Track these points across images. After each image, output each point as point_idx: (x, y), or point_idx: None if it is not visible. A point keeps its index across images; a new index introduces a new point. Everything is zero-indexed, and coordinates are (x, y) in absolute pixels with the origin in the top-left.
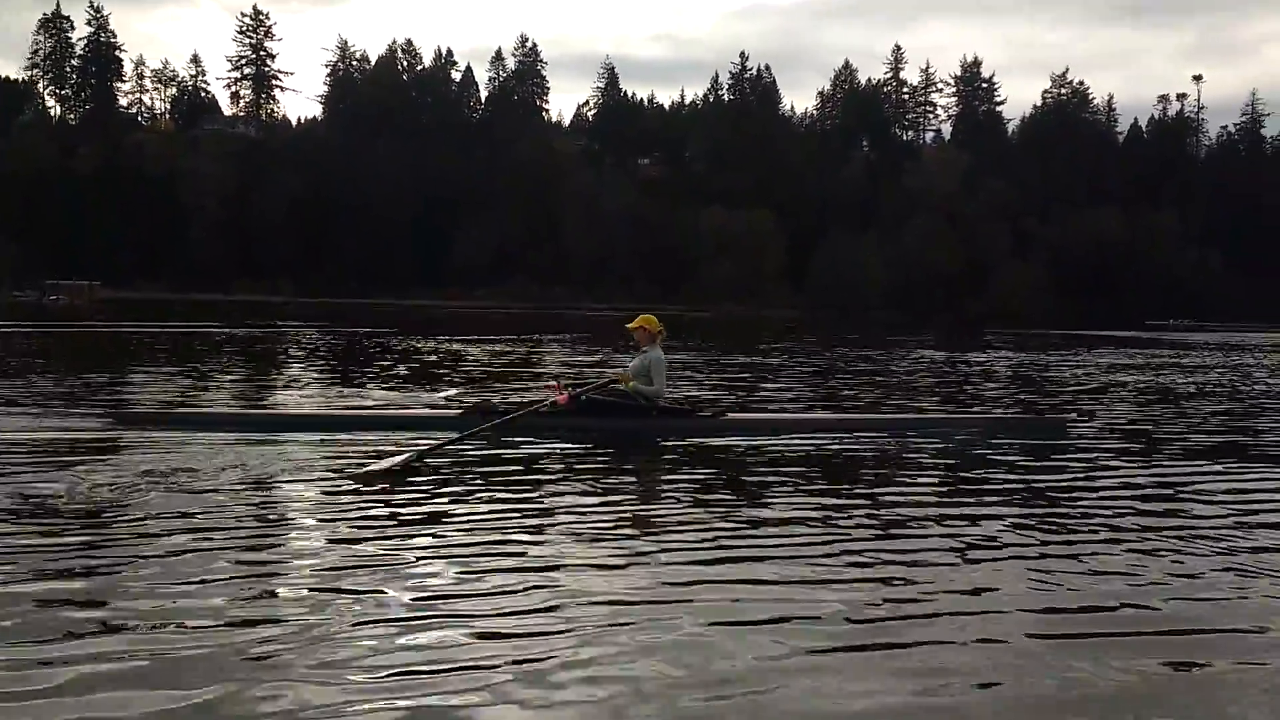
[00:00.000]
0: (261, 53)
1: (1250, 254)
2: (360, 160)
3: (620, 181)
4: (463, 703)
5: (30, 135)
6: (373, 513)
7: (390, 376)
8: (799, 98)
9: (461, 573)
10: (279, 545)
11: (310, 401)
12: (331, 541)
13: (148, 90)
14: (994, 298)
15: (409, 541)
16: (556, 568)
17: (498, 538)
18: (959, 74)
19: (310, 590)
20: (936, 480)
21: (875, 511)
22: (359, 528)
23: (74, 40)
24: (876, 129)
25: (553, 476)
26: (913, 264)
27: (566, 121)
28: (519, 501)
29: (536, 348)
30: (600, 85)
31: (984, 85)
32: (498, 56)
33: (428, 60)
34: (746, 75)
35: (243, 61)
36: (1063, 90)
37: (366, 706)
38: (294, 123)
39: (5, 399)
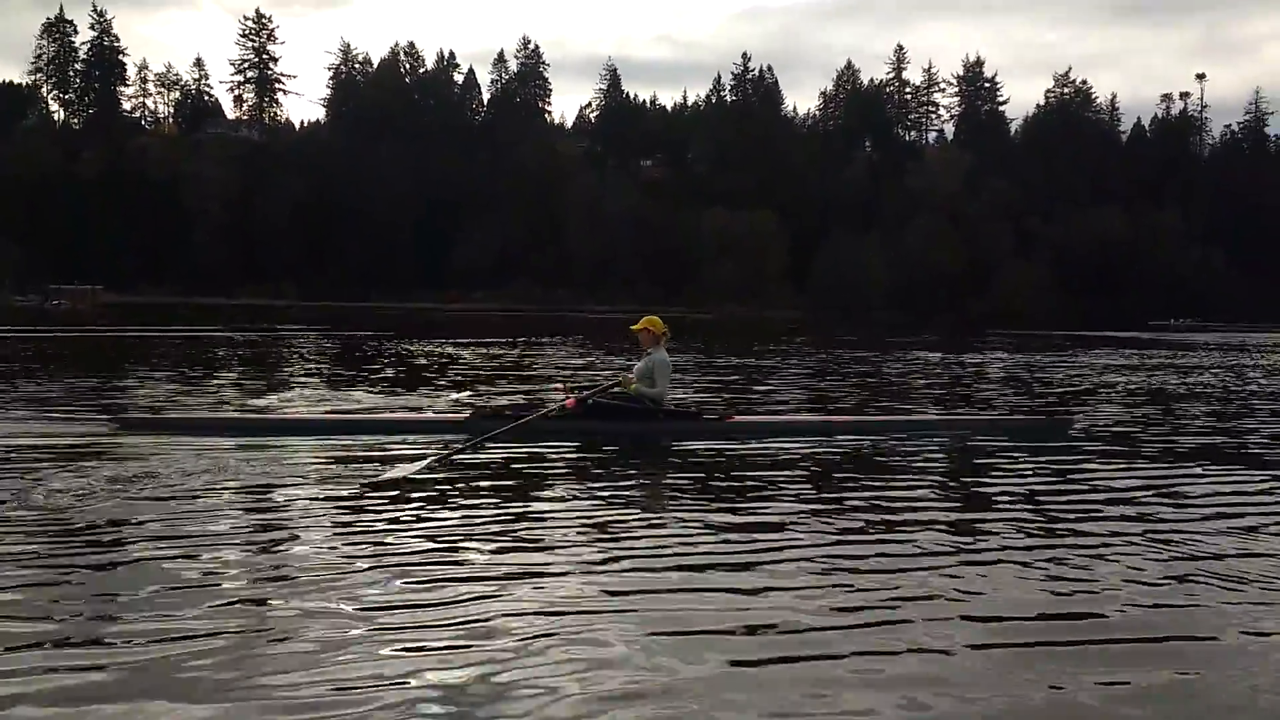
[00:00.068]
0: (264, 56)
1: (1253, 253)
2: (363, 163)
3: (623, 183)
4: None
5: (34, 139)
6: (376, 517)
7: (387, 380)
8: (801, 98)
9: (462, 575)
10: (280, 549)
11: (312, 405)
12: (333, 546)
13: (151, 94)
14: (997, 298)
15: (411, 545)
16: (553, 573)
17: (499, 541)
18: (961, 74)
19: (311, 593)
20: (934, 484)
21: (869, 517)
22: (361, 532)
23: (77, 44)
24: (879, 129)
25: (556, 481)
26: (915, 264)
27: (569, 123)
28: (521, 507)
29: (536, 351)
30: (602, 87)
31: (986, 85)
32: (500, 59)
33: (430, 63)
34: (749, 76)
35: (245, 65)
36: (1065, 90)
37: (366, 708)
38: (297, 126)
39: (6, 403)
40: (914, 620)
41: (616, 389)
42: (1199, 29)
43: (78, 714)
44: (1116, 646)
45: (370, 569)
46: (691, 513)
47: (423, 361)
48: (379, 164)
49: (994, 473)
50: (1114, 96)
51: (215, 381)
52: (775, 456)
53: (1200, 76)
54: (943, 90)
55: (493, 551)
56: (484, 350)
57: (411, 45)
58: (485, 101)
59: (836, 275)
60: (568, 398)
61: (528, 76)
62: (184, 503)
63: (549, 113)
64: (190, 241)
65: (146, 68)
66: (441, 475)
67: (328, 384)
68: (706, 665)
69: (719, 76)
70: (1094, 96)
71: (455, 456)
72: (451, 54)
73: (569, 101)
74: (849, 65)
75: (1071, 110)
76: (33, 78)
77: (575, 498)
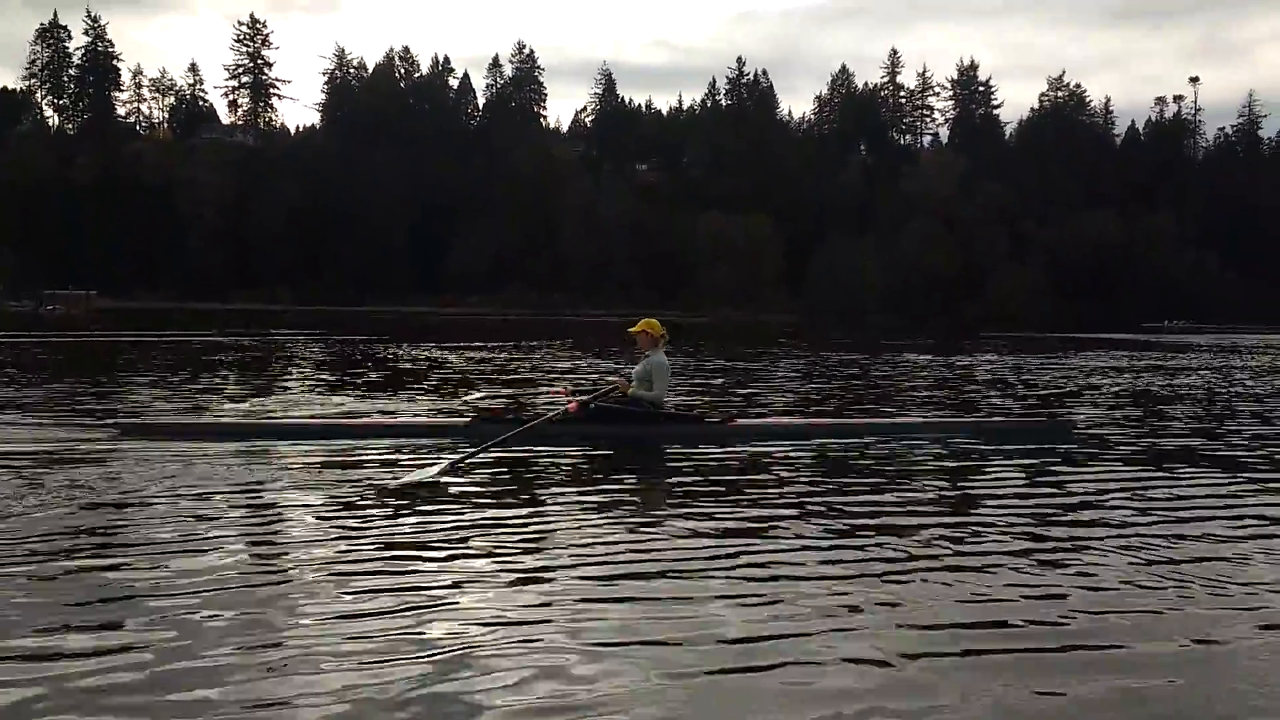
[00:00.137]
0: (259, 61)
1: (1247, 255)
2: (358, 168)
3: (618, 187)
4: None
5: (28, 145)
6: (379, 522)
7: (383, 385)
8: (796, 103)
9: (463, 579)
10: (290, 556)
11: (311, 410)
12: (339, 552)
13: (145, 99)
14: (991, 301)
15: (411, 550)
16: (552, 579)
17: (498, 546)
18: (955, 77)
19: (313, 596)
20: (931, 489)
21: (856, 523)
22: (366, 538)
23: (71, 50)
24: (873, 133)
25: (556, 486)
26: (910, 268)
27: (564, 128)
28: (519, 512)
29: (532, 355)
30: (598, 91)
31: (981, 89)
32: (495, 63)
33: (425, 68)
34: (744, 81)
35: (240, 70)
36: (1059, 93)
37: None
38: (292, 131)
39: (5, 409)
40: (856, 629)
41: (614, 393)
42: (1193, 32)
43: (78, 714)
44: (1061, 655)
45: (371, 573)
46: (683, 520)
47: (419, 366)
48: (374, 169)
49: (995, 477)
50: (1108, 100)
51: (211, 387)
52: (776, 461)
53: (1194, 79)
54: (937, 94)
55: (489, 557)
56: (480, 354)
57: (406, 50)
58: (480, 106)
59: (831, 279)
60: (570, 402)
61: (523, 81)
62: (186, 508)
63: (544, 117)
64: (185, 247)
65: (141, 73)
66: (443, 480)
67: (325, 389)
68: (629, 676)
69: (714, 81)
70: (1088, 100)
71: (466, 461)
72: (446, 59)
73: (564, 106)
74: (843, 69)
75: (1066, 113)
76: (27, 83)
77: (572, 504)
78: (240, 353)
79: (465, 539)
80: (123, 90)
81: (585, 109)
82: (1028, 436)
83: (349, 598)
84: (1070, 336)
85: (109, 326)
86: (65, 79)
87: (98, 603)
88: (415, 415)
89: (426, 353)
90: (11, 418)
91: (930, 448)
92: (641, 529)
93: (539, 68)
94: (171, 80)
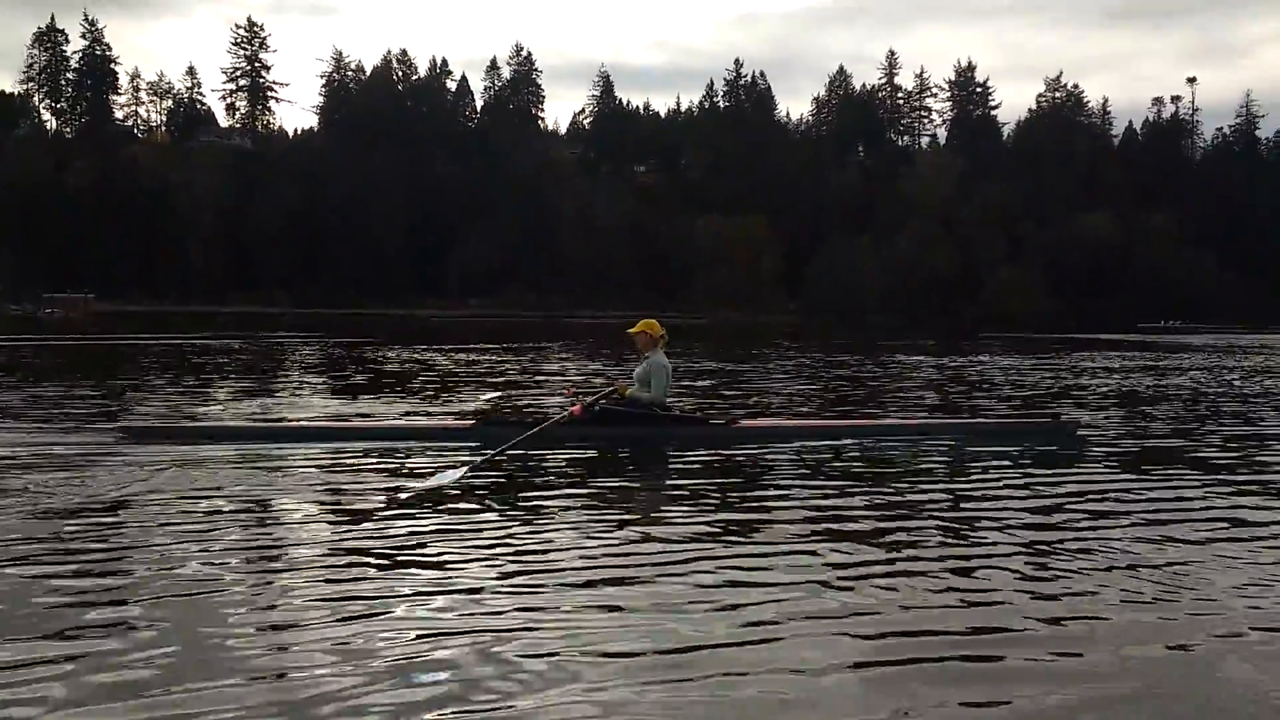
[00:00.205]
0: (256, 64)
1: (1245, 255)
2: (356, 171)
3: (616, 189)
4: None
5: (26, 148)
6: (385, 524)
7: (384, 387)
8: (794, 104)
9: (471, 582)
10: (289, 557)
11: (315, 413)
12: (341, 555)
13: (143, 102)
14: (990, 302)
15: (422, 553)
16: (552, 584)
17: (506, 550)
18: (953, 79)
19: (318, 598)
20: (931, 492)
21: (848, 527)
22: (369, 542)
23: (69, 53)
24: (872, 134)
25: (561, 488)
26: (908, 269)
27: (562, 130)
28: (526, 516)
29: (531, 357)
30: (596, 94)
31: (978, 90)
32: (493, 66)
33: (423, 70)
34: (742, 82)
35: (238, 73)
36: (1057, 94)
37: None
38: (290, 134)
39: (9, 413)
40: (805, 635)
41: (613, 394)
42: (1190, 32)
43: (78, 715)
44: (1005, 664)
45: (377, 577)
46: (683, 524)
47: (418, 368)
48: (372, 171)
49: (1000, 479)
50: (1105, 100)
51: (210, 389)
52: (781, 463)
53: (1192, 80)
54: (935, 95)
55: (496, 560)
56: (479, 356)
57: (404, 53)
58: (478, 108)
59: (830, 280)
60: (574, 404)
61: (521, 83)
62: (193, 512)
63: (542, 119)
64: (183, 250)
65: (139, 76)
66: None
67: (325, 392)
68: (609, 681)
69: (712, 83)
70: (1086, 100)
71: (496, 458)
72: (444, 61)
73: (562, 108)
74: (841, 71)
75: (1063, 114)
76: (24, 87)
77: (573, 507)
78: (242, 356)
79: (472, 543)
80: (120, 94)
81: (583, 111)
82: (1033, 437)
83: (354, 600)
84: (1067, 337)
85: (107, 329)
86: (63, 82)
87: (103, 604)
88: (419, 418)
89: (428, 355)
90: (14, 421)
91: (935, 449)
92: (642, 532)
93: (537, 70)
94: (169, 83)
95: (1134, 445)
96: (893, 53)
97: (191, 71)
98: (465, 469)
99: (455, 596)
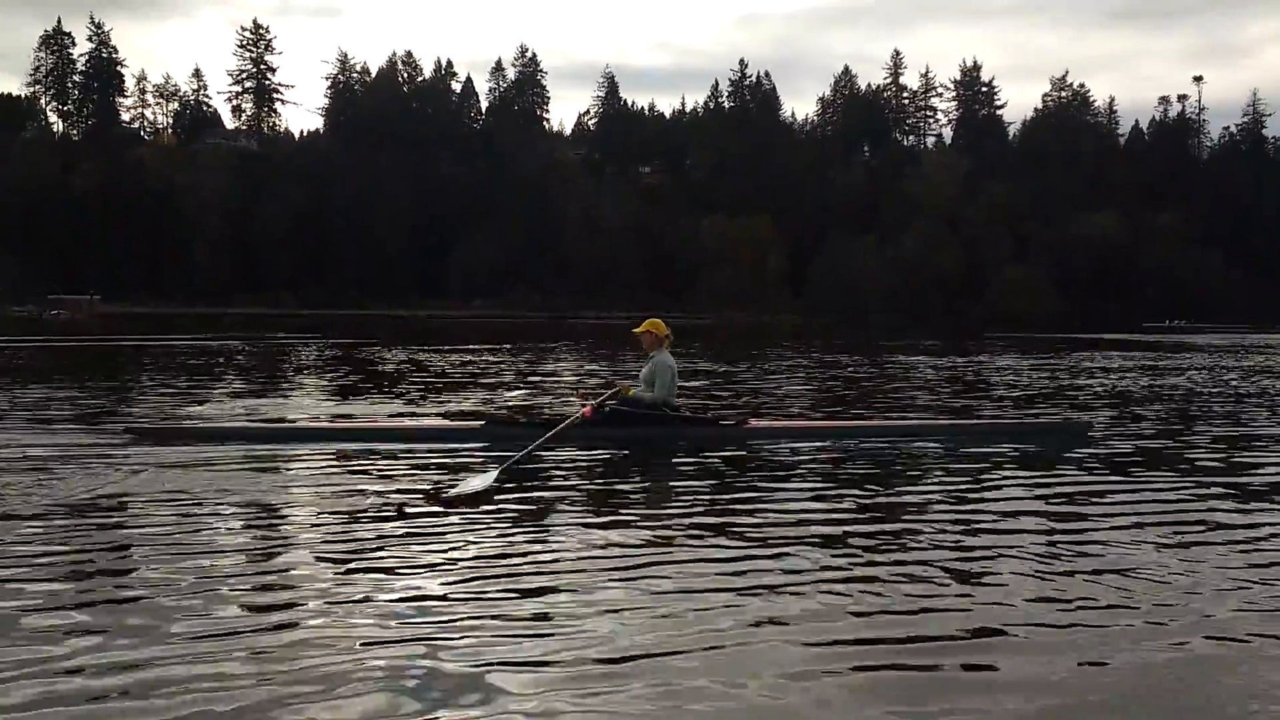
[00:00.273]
0: (262, 66)
1: (1252, 254)
2: (361, 172)
3: (621, 190)
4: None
5: (32, 151)
6: (390, 527)
7: (389, 389)
8: (799, 104)
9: (480, 585)
10: (298, 559)
11: (321, 414)
12: (348, 557)
13: (149, 105)
14: (995, 302)
15: (429, 555)
16: (556, 585)
17: (508, 548)
18: (959, 78)
19: (324, 598)
20: (940, 492)
21: (865, 528)
22: (375, 545)
23: (75, 56)
24: (877, 134)
25: (569, 489)
26: (913, 268)
27: (567, 131)
28: (533, 519)
29: (535, 357)
30: (600, 94)
31: (984, 89)
32: (498, 67)
33: (428, 71)
34: (746, 83)
35: (243, 75)
36: (1063, 93)
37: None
38: (295, 136)
39: (18, 413)
40: (770, 643)
41: (617, 394)
42: (1196, 32)
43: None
44: (972, 675)
45: (382, 578)
46: (687, 526)
47: (424, 369)
48: (377, 173)
49: (1008, 481)
50: (1112, 100)
51: (214, 390)
52: (789, 464)
53: (1198, 79)
54: (940, 95)
55: (505, 563)
56: (485, 357)
57: (409, 54)
58: (483, 110)
59: (834, 280)
60: (584, 406)
61: (525, 84)
62: (200, 513)
63: (547, 120)
64: (189, 251)
65: (145, 79)
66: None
67: (332, 392)
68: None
69: (716, 83)
70: (1092, 100)
71: (512, 468)
72: (449, 62)
73: (567, 109)
74: (846, 71)
75: (1069, 114)
76: (31, 89)
77: (576, 508)
78: (247, 357)
79: (482, 545)
80: (127, 96)
81: (588, 112)
82: (1043, 438)
83: (360, 601)
84: (1072, 337)
85: (112, 331)
86: (69, 85)
87: (111, 604)
88: (425, 419)
89: (434, 356)
90: (21, 422)
91: (946, 450)
92: (643, 534)
93: (542, 71)
94: (175, 86)
95: (1145, 446)
96: (897, 53)
97: (197, 74)
98: (495, 473)
99: (453, 597)
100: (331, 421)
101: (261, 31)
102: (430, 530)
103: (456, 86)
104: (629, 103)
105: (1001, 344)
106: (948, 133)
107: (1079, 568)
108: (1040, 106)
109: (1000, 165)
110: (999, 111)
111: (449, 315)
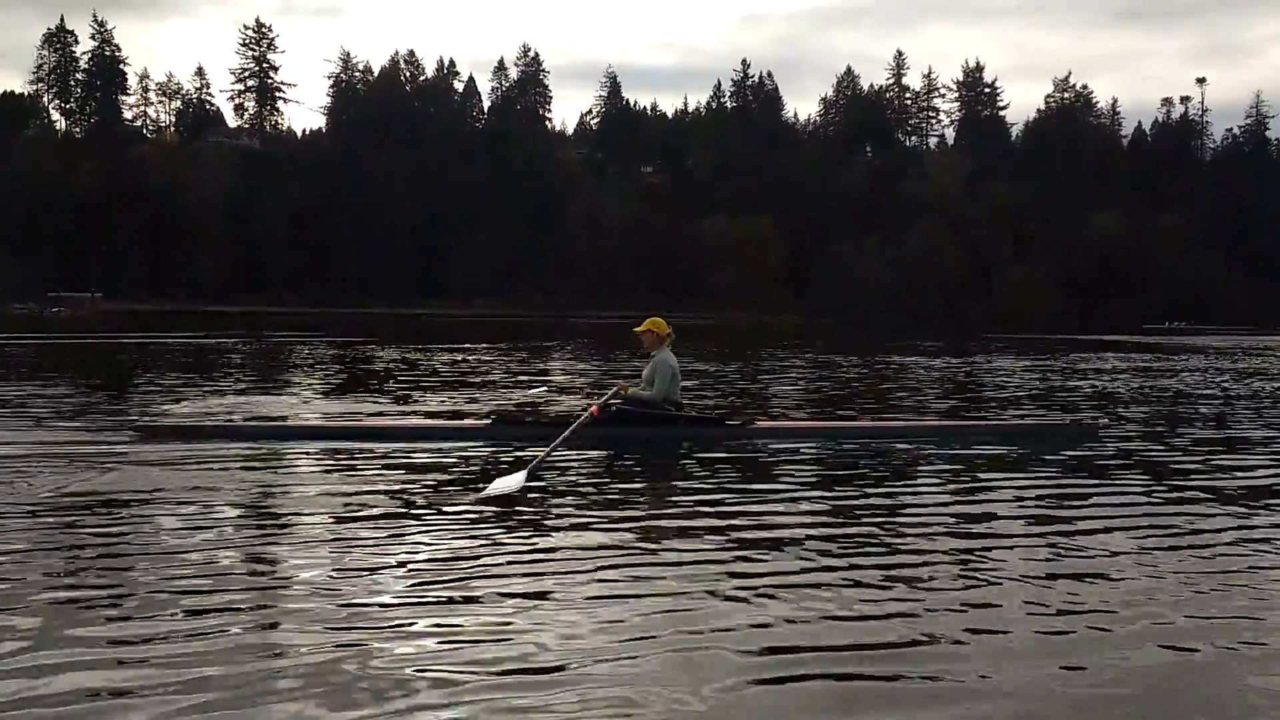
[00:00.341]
0: (264, 65)
1: (1255, 256)
2: (363, 171)
3: (623, 190)
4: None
5: (35, 148)
6: (394, 526)
7: (393, 387)
8: (802, 104)
9: (488, 586)
10: (307, 558)
11: (321, 412)
12: (354, 556)
13: (152, 103)
14: (997, 302)
15: (433, 556)
16: (561, 585)
17: (516, 554)
18: (961, 79)
19: (328, 599)
20: (946, 494)
21: (869, 530)
22: (381, 543)
23: (78, 54)
24: (879, 135)
25: (575, 489)
26: (916, 269)
27: (570, 131)
28: (539, 520)
29: (537, 356)
30: (603, 94)
31: (986, 90)
32: (500, 66)
33: (430, 70)
34: (749, 83)
35: (246, 73)
36: (1065, 94)
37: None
38: (298, 134)
39: (23, 411)
40: (721, 650)
41: (618, 394)
42: (1199, 32)
43: (79, 713)
44: (894, 685)
45: (386, 578)
46: (690, 528)
47: (425, 368)
48: (379, 172)
49: (1015, 482)
50: (1115, 100)
51: (218, 388)
52: (795, 465)
53: (1201, 80)
54: (943, 95)
55: (512, 562)
56: (486, 356)
57: (411, 53)
58: (486, 109)
59: (837, 280)
60: (591, 406)
61: (528, 84)
62: (208, 512)
63: (549, 120)
64: (191, 250)
65: (148, 77)
66: (457, 487)
67: (337, 391)
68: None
69: (719, 83)
70: (1094, 100)
71: (538, 469)
72: (451, 62)
73: (569, 108)
74: (849, 71)
75: (1072, 114)
76: (34, 88)
77: (580, 509)
78: (248, 355)
79: (491, 546)
80: (129, 94)
81: (590, 111)
82: (1051, 439)
83: (360, 601)
84: (1072, 338)
85: (113, 328)
86: (72, 83)
87: (113, 601)
88: (430, 418)
89: (435, 355)
90: (23, 420)
91: (953, 451)
92: (642, 533)
93: (544, 70)
94: (178, 84)
95: (1153, 448)
96: (900, 53)
97: (200, 72)
98: (524, 473)
99: (471, 603)
100: (337, 421)
101: (264, 30)
102: (418, 530)
103: (459, 86)
104: (631, 102)
105: (1001, 345)
106: (950, 133)
107: (1082, 571)
108: (1043, 107)
109: (1003, 166)
110: (1002, 112)
111: (451, 315)
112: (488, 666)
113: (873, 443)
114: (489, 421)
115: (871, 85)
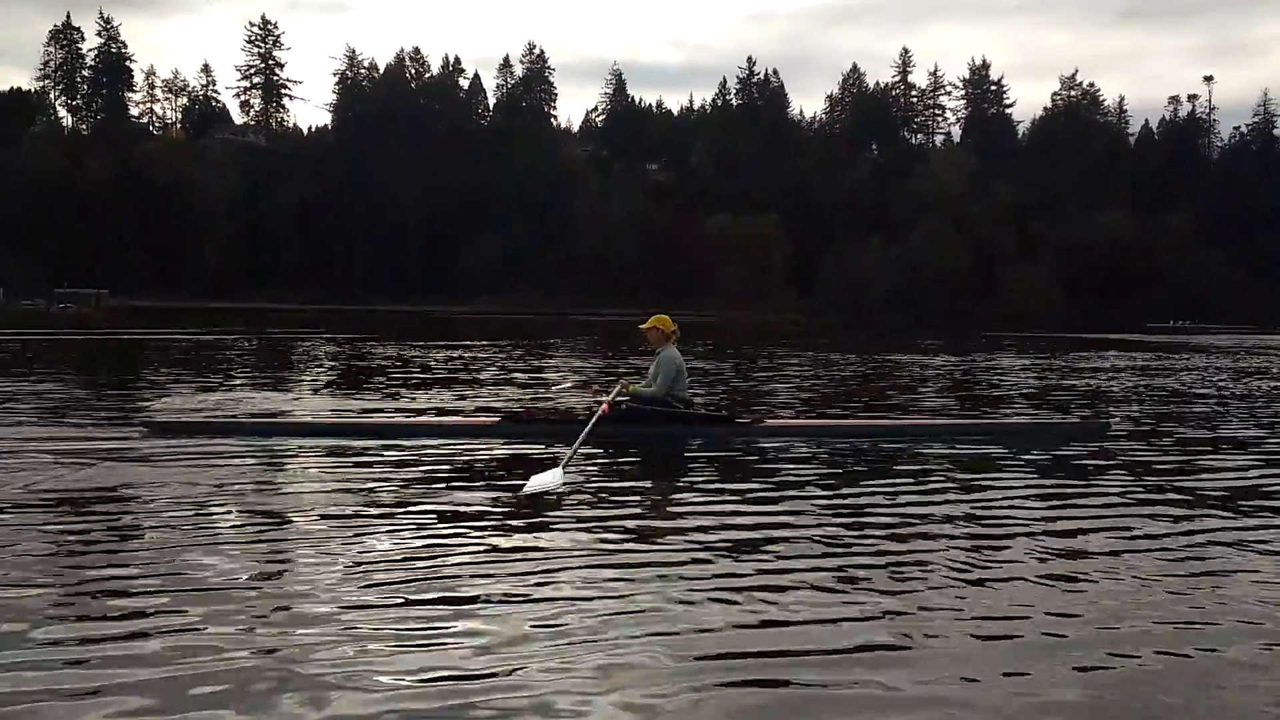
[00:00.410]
0: (270, 62)
1: (1261, 255)
2: (369, 168)
3: (628, 187)
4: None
5: (41, 145)
6: (393, 524)
7: (398, 384)
8: (808, 102)
9: (495, 585)
10: (315, 556)
11: (328, 408)
12: (359, 554)
13: (158, 100)
14: (1003, 300)
15: (438, 556)
16: (563, 584)
17: (511, 549)
18: (967, 76)
19: (334, 598)
20: (955, 492)
21: (872, 530)
22: (387, 540)
23: (85, 51)
24: (885, 132)
25: (584, 486)
26: (921, 267)
27: (575, 128)
28: (546, 519)
29: (542, 352)
30: (608, 91)
31: (992, 87)
32: (506, 64)
33: (436, 68)
34: (754, 80)
35: (252, 70)
36: (1072, 92)
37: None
38: (303, 131)
39: (32, 407)
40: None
41: (621, 390)
42: (1206, 31)
43: (80, 712)
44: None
45: (392, 577)
46: (697, 524)
47: (431, 364)
48: (384, 169)
49: (1023, 481)
50: (1121, 99)
51: (225, 383)
52: (804, 463)
53: (1208, 78)
54: (949, 93)
55: (520, 563)
56: (492, 352)
57: (417, 50)
58: (491, 106)
59: (841, 278)
60: (602, 404)
61: (533, 81)
62: (216, 506)
63: (554, 117)
64: (197, 246)
65: (154, 74)
66: (462, 486)
67: (343, 387)
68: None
69: (724, 81)
70: (1101, 99)
71: (579, 453)
72: (457, 59)
73: (575, 106)
74: (855, 68)
75: (1078, 113)
76: (41, 84)
77: (582, 509)
78: (254, 352)
79: (491, 546)
80: (135, 91)
81: (596, 109)
82: (1060, 437)
83: (373, 603)
84: (1077, 336)
85: (119, 325)
86: (78, 80)
87: (120, 597)
88: (439, 415)
89: (441, 352)
90: (35, 416)
91: (963, 450)
92: (642, 533)
93: (549, 68)
94: (184, 81)
95: (1159, 449)
96: (906, 50)
97: (206, 69)
98: (560, 470)
99: (476, 603)
100: (346, 416)
101: (270, 27)
102: (418, 527)
103: (464, 83)
104: (636, 100)
105: (1012, 343)
106: (956, 131)
107: (1083, 572)
108: (1049, 105)
109: (1008, 164)
110: (1008, 110)
111: (456, 311)
112: (484, 666)
113: (882, 441)
114: (499, 418)
115: (877, 83)
